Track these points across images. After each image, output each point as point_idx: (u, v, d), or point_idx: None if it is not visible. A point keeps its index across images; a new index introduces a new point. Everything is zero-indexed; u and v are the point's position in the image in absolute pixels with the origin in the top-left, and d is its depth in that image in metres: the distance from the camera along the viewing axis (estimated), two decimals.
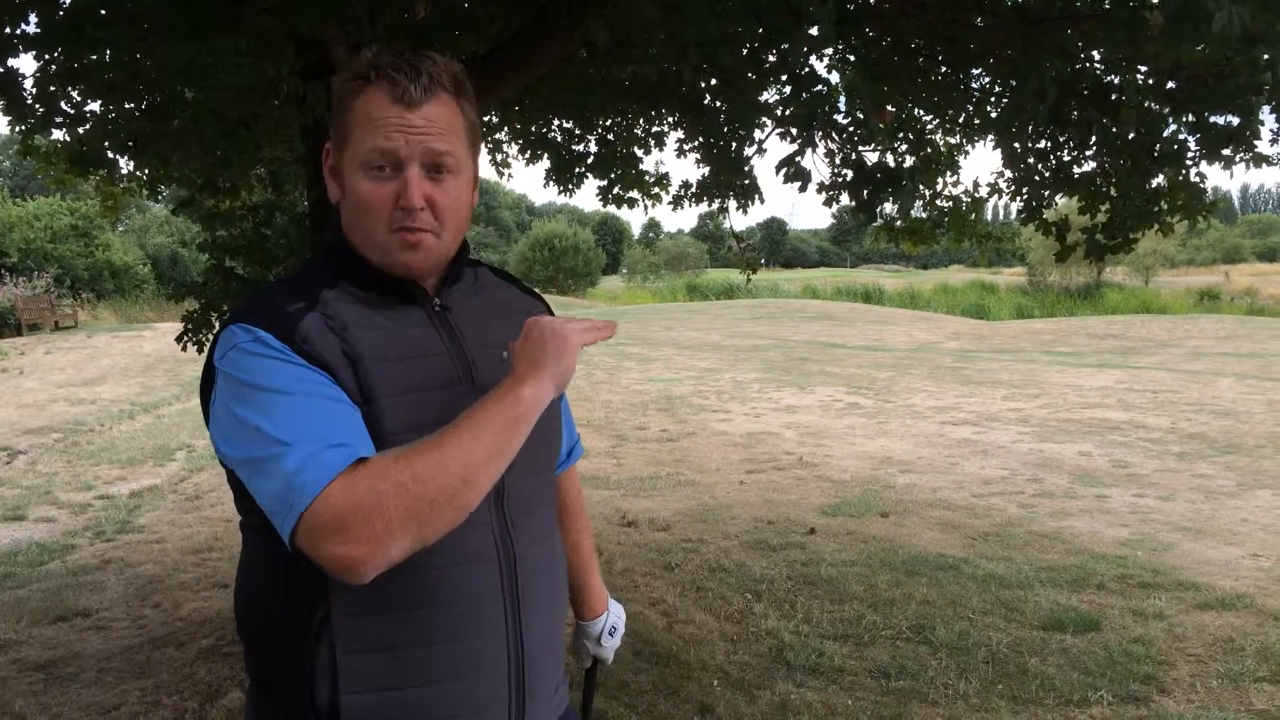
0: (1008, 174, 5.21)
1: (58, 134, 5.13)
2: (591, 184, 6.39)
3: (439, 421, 1.20)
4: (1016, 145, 4.73)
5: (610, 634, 1.80)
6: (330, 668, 1.27)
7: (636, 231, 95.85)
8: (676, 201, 6.25)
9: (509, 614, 1.36)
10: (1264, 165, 4.11)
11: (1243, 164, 4.09)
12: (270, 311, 1.26)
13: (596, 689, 1.89)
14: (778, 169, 3.08)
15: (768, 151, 7.16)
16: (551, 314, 1.59)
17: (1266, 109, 3.88)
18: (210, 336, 4.62)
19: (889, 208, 4.89)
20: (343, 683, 1.28)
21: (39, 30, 3.47)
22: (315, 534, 1.09)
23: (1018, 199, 5.10)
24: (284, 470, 1.12)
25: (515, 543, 1.38)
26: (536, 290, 1.62)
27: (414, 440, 1.17)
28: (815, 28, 2.98)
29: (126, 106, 4.80)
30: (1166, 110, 4.22)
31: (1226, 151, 4.02)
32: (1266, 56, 3.23)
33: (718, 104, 5.28)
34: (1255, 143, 3.99)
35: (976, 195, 5.68)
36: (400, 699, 1.29)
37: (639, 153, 6.23)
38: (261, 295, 1.32)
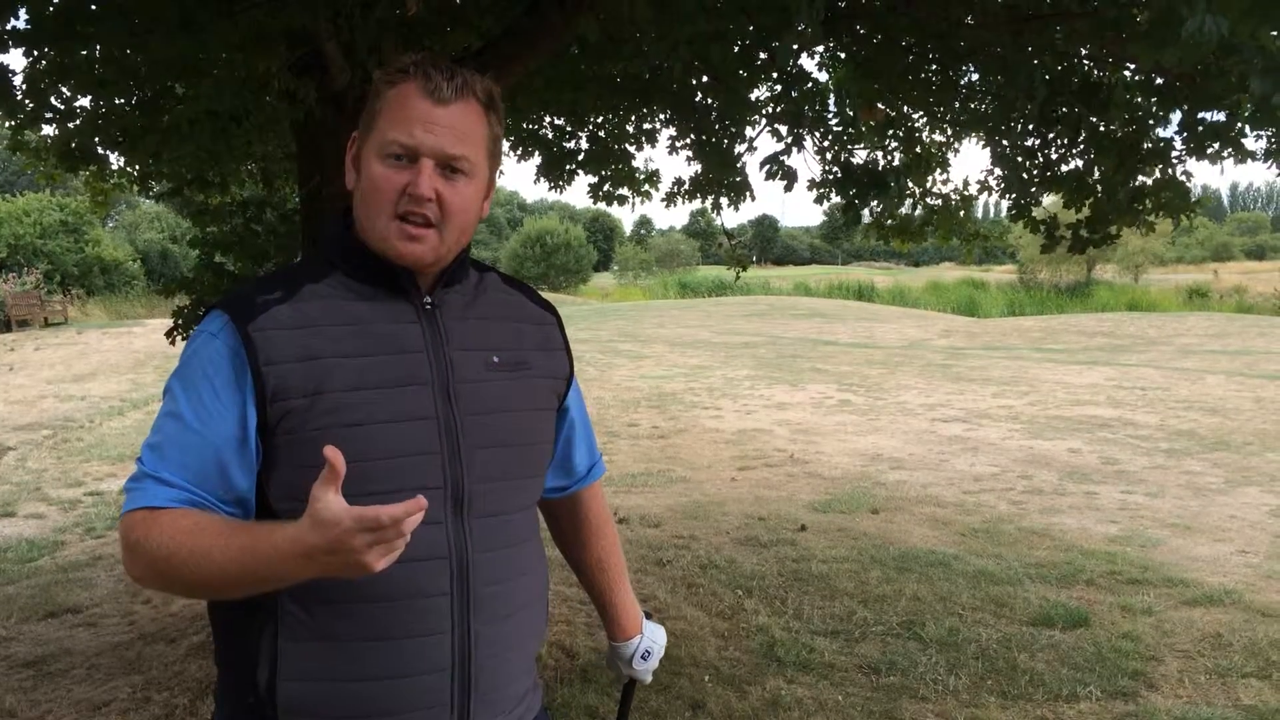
0: (997, 171, 5.23)
1: (47, 129, 5.12)
2: (583, 181, 6.38)
3: (390, 419, 1.29)
4: (1005, 143, 4.75)
5: (644, 657, 1.71)
6: (271, 653, 1.30)
7: (628, 228, 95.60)
8: (668, 199, 6.24)
9: (456, 617, 1.33)
10: (1248, 161, 4.14)
11: (1229, 160, 4.11)
12: (241, 300, 1.32)
13: (632, 708, 1.82)
14: (761, 166, 3.09)
15: (758, 149, 7.16)
16: (561, 325, 1.56)
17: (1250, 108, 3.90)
18: None
19: (877, 205, 4.90)
20: (281, 668, 1.30)
21: (29, 26, 3.46)
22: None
23: (1007, 197, 5.12)
24: (136, 471, 1.30)
25: (470, 546, 1.34)
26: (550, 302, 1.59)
27: (366, 434, 1.27)
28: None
29: (117, 102, 4.79)
30: (1155, 107, 4.24)
31: (1213, 148, 4.04)
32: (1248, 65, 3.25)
33: (708, 101, 5.29)
34: (1242, 139, 4.01)
35: (965, 194, 5.70)
36: (336, 690, 1.30)
37: (630, 149, 6.23)
38: (247, 284, 1.39)
